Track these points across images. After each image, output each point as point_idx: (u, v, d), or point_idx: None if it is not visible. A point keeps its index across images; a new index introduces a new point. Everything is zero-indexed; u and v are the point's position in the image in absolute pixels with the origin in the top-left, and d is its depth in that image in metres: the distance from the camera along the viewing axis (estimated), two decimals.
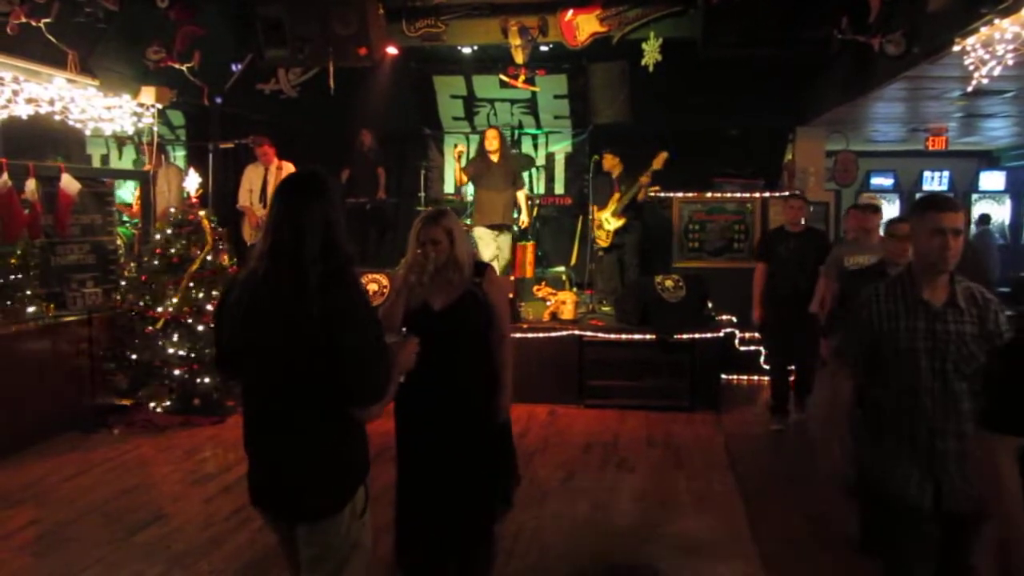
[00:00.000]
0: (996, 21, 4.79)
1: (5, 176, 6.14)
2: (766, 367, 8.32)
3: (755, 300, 6.88)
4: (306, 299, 2.28)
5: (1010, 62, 5.05)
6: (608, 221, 8.63)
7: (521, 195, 8.91)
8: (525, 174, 10.41)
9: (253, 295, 2.38)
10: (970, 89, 5.82)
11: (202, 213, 7.25)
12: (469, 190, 9.56)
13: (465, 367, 3.49)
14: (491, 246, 8.78)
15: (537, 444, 6.24)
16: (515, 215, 8.98)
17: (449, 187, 11.51)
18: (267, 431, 2.43)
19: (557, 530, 4.64)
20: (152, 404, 6.74)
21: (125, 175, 9.60)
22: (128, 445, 6.15)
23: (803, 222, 6.78)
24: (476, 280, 3.50)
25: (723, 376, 7.86)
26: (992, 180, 13.91)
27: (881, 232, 5.65)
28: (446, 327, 3.43)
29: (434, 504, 3.52)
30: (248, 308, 2.38)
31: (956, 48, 5.26)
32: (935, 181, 14.06)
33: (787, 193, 8.63)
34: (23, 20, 5.96)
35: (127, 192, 9.59)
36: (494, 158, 8.63)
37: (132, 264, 7.65)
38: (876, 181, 14.19)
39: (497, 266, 8.64)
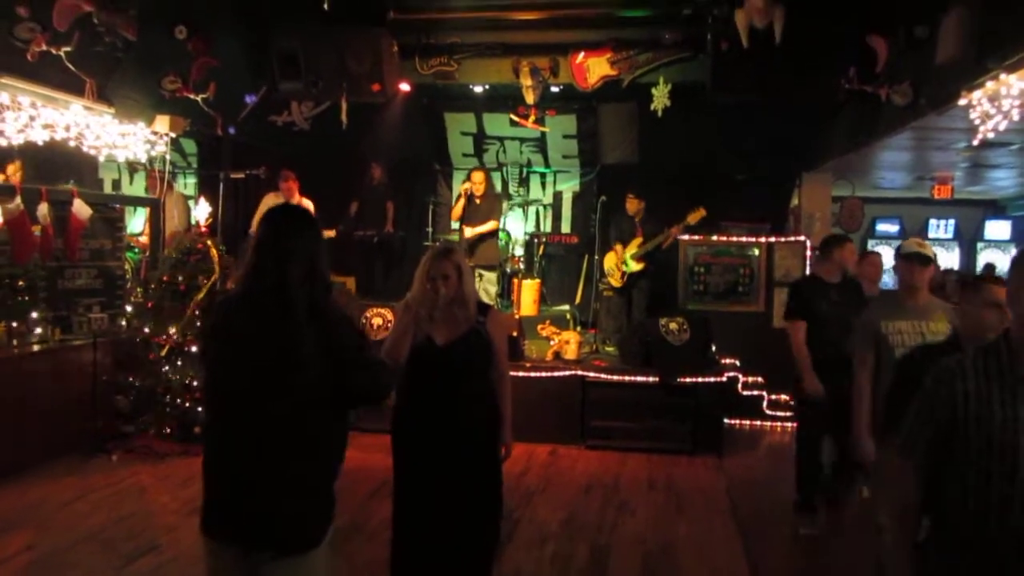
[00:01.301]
0: (1002, 76, 4.84)
1: (18, 200, 6.21)
2: (773, 414, 8.31)
3: (803, 367, 5.48)
4: (293, 320, 2.33)
5: (1016, 116, 5.10)
6: (627, 263, 8.59)
7: (491, 223, 8.77)
8: (509, 213, 10.55)
9: (236, 317, 2.42)
10: (976, 142, 5.85)
11: (210, 241, 7.30)
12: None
13: (466, 403, 3.52)
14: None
15: (538, 484, 6.20)
16: (508, 254, 9.06)
17: (456, 223, 11.56)
18: (248, 456, 2.38)
19: (556, 573, 4.60)
20: (152, 431, 6.73)
21: (135, 201, 9.68)
22: (127, 471, 6.14)
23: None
24: (480, 319, 3.53)
25: (726, 420, 7.81)
26: (998, 229, 13.94)
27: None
28: (449, 362, 3.46)
29: (432, 541, 3.51)
30: (231, 329, 2.43)
31: (963, 101, 5.31)
32: (941, 229, 14.10)
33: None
34: (44, 48, 6.05)
35: (139, 220, 9.64)
36: (478, 201, 8.79)
37: (139, 290, 7.69)
38: (882, 227, 14.23)
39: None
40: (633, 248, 8.57)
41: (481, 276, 8.82)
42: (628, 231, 8.68)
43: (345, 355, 2.41)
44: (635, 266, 8.57)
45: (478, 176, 8.88)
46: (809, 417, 5.69)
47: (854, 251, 5.77)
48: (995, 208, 14.39)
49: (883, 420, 3.63)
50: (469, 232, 8.82)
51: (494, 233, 8.91)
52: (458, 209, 8.93)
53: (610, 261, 8.76)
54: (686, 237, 8.99)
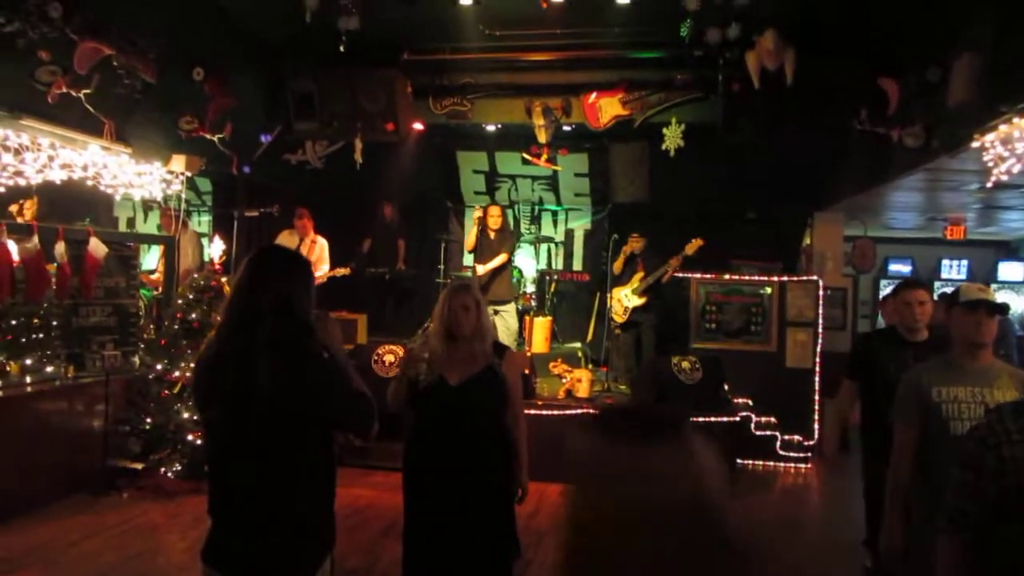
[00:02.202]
0: (1015, 119, 4.86)
1: (35, 239, 6.27)
2: (786, 455, 8.23)
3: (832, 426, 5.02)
4: (260, 353, 2.38)
5: None
6: (628, 297, 8.66)
7: (502, 256, 8.74)
8: (520, 250, 10.54)
9: (216, 352, 2.49)
10: (989, 184, 5.85)
11: (224, 279, 7.33)
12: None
13: (479, 443, 3.50)
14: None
15: (549, 525, 6.14)
16: (519, 291, 9.00)
17: (468, 260, 11.60)
18: (232, 485, 2.47)
19: None
20: (163, 469, 6.71)
21: (150, 239, 9.77)
22: (137, 510, 6.11)
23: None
24: (496, 360, 3.54)
25: (739, 460, 7.74)
26: (1011, 270, 13.87)
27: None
28: (462, 402, 3.45)
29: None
30: (212, 365, 2.49)
31: (975, 144, 5.32)
32: (954, 270, 14.03)
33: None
34: (64, 90, 6.15)
35: (152, 258, 9.72)
36: (492, 235, 8.77)
37: (152, 327, 7.72)
38: (894, 267, 14.19)
39: (507, 337, 8.68)
40: (635, 283, 8.61)
41: (497, 312, 8.80)
42: (630, 269, 8.74)
43: (318, 386, 2.44)
44: (637, 300, 8.60)
45: (495, 210, 8.88)
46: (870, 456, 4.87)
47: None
48: (1008, 250, 14.32)
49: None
50: (481, 270, 8.79)
51: (506, 267, 8.88)
52: (471, 238, 8.94)
53: (613, 298, 8.84)
54: (698, 276, 8.99)
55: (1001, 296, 13.36)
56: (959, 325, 3.31)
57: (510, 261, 9.06)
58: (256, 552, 2.40)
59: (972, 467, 2.17)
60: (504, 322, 8.80)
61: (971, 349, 3.29)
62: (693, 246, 8.33)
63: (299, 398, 2.39)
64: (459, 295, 3.54)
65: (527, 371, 7.62)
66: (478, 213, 8.94)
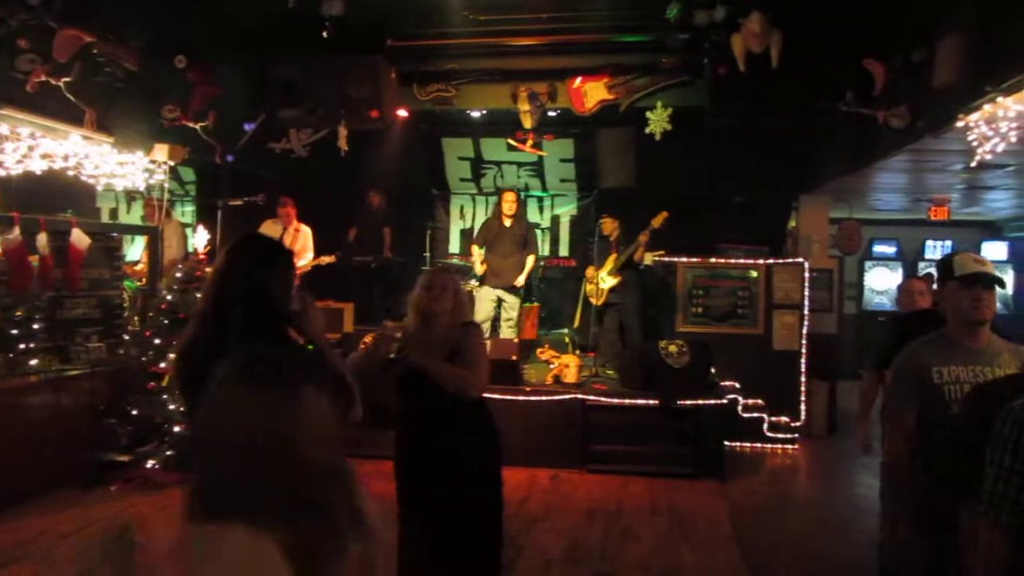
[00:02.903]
0: (999, 99, 4.88)
1: (17, 230, 6.20)
2: (774, 436, 8.29)
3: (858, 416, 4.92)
4: (225, 340, 2.36)
5: (1013, 139, 5.14)
6: (603, 279, 8.71)
7: (531, 259, 8.98)
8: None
9: (192, 338, 2.50)
10: (973, 164, 5.88)
11: (209, 269, 7.27)
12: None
13: (457, 427, 3.50)
14: (487, 308, 8.83)
15: (540, 511, 6.15)
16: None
17: (455, 247, 11.59)
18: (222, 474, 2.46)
19: None
20: (151, 461, 6.67)
21: (134, 230, 9.68)
22: (126, 503, 6.08)
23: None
24: (462, 339, 3.58)
25: (727, 443, 7.78)
26: (995, 250, 13.97)
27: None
28: (434, 387, 3.44)
29: (435, 567, 3.50)
30: (187, 351, 2.50)
31: (960, 124, 5.35)
32: (938, 250, 14.13)
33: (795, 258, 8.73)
34: (44, 79, 6.06)
35: (137, 250, 9.62)
36: (507, 222, 8.76)
37: (137, 319, 7.66)
38: (879, 249, 14.27)
39: (508, 329, 8.68)
40: (609, 264, 8.66)
41: (502, 300, 8.88)
42: (605, 252, 8.78)
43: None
44: (611, 280, 8.65)
45: (510, 196, 8.91)
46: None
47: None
48: (992, 229, 14.43)
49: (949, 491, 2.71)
50: (522, 279, 8.89)
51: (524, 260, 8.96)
52: (479, 238, 9.07)
53: (590, 281, 8.93)
54: (685, 260, 9.01)
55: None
56: (955, 301, 3.07)
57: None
58: None
59: (1012, 450, 2.08)
60: (506, 312, 8.88)
61: (970, 327, 3.08)
62: (659, 219, 8.40)
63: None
64: (438, 275, 3.58)
65: (515, 357, 7.62)
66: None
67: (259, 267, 2.53)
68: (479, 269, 8.88)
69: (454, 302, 3.54)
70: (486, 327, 8.78)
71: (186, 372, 2.50)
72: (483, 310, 8.87)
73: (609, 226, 8.89)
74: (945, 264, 3.19)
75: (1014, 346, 3.18)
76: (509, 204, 8.79)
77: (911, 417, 3.13)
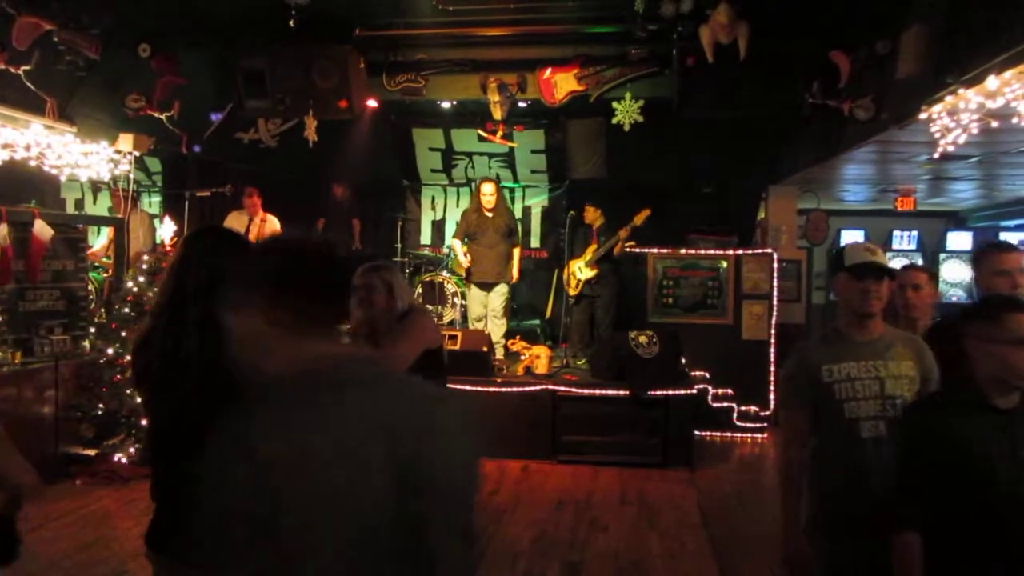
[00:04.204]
0: (961, 91, 4.93)
1: None
2: (743, 426, 8.37)
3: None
4: (185, 333, 2.34)
5: (974, 130, 5.19)
6: (581, 270, 8.73)
7: (517, 251, 8.88)
8: None
9: (148, 329, 2.46)
10: (936, 155, 5.95)
11: None
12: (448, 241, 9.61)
13: None
14: (478, 304, 8.78)
15: (509, 501, 6.17)
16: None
17: (426, 239, 11.55)
18: (176, 472, 2.32)
19: None
20: (117, 455, 6.60)
21: (99, 221, 9.54)
22: (90, 497, 6.01)
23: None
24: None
25: (696, 432, 7.84)
26: (959, 240, 14.16)
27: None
28: None
29: None
30: (142, 343, 2.46)
31: (923, 116, 5.40)
32: (904, 240, 14.31)
33: (757, 250, 8.80)
34: (2, 67, 5.95)
35: (102, 239, 9.49)
36: (488, 213, 8.63)
37: (102, 311, 7.56)
38: (846, 239, 14.41)
39: (491, 323, 8.59)
40: (588, 255, 8.67)
41: (482, 291, 8.74)
42: (585, 241, 8.80)
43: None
44: (588, 272, 8.66)
45: (488, 187, 8.71)
46: None
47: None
48: (956, 220, 14.64)
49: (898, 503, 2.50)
50: (515, 273, 8.74)
51: (510, 251, 8.82)
52: (461, 230, 8.90)
53: (567, 271, 8.91)
54: (655, 250, 9.05)
55: (949, 266, 13.69)
56: (844, 292, 2.95)
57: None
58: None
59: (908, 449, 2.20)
60: (491, 303, 8.74)
61: (859, 319, 2.94)
62: (641, 216, 8.44)
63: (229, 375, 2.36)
64: (366, 274, 3.43)
65: (485, 348, 7.62)
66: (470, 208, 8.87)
67: (216, 258, 2.49)
68: (464, 262, 8.71)
69: (388, 298, 3.40)
70: (480, 325, 8.74)
71: (140, 365, 2.47)
72: (475, 309, 8.82)
73: (592, 214, 8.90)
74: (837, 255, 3.06)
75: (907, 335, 3.09)
76: (487, 196, 8.64)
77: (803, 419, 2.97)
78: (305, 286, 1.55)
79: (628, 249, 8.79)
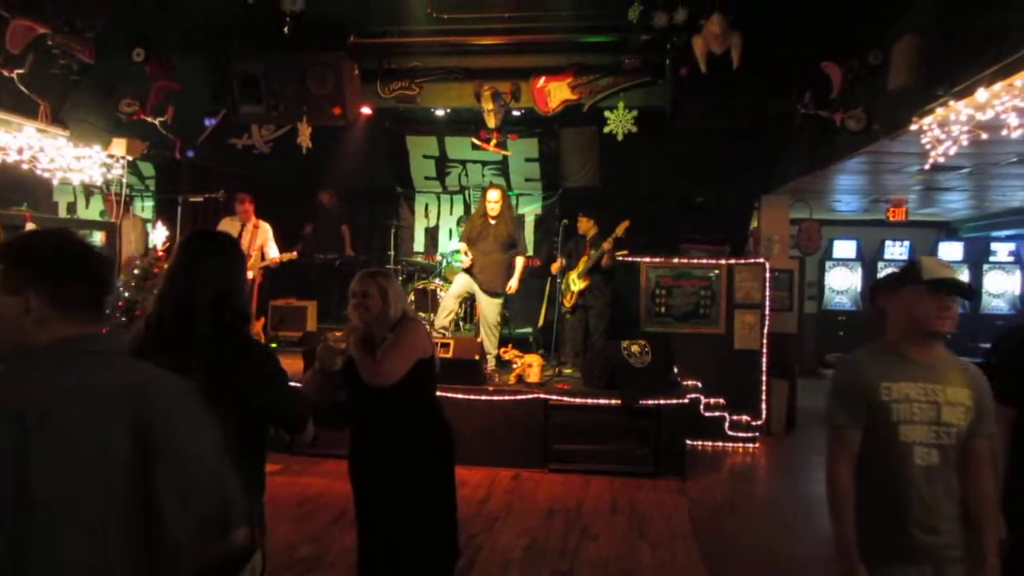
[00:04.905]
0: (951, 103, 4.96)
1: None
2: (735, 435, 8.37)
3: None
4: (191, 347, 2.33)
5: (964, 142, 5.22)
6: (574, 282, 8.74)
7: (520, 260, 8.54)
8: None
9: (152, 342, 2.41)
10: (927, 166, 5.98)
11: (167, 266, 7.18)
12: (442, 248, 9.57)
13: (398, 429, 3.48)
14: (460, 286, 8.59)
15: (500, 509, 6.16)
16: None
17: (419, 246, 11.56)
18: None
19: None
20: None
21: (91, 225, 9.50)
22: None
23: None
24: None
25: (688, 442, 7.84)
26: (951, 250, 14.23)
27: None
28: (374, 390, 3.41)
29: (386, 568, 3.49)
30: (144, 355, 2.40)
31: (914, 127, 5.43)
32: (896, 250, 14.37)
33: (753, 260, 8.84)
34: None
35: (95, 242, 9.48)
36: (492, 220, 8.38)
37: None
38: (838, 249, 14.47)
39: (484, 333, 8.47)
40: (580, 267, 8.68)
41: (475, 299, 8.58)
42: (578, 252, 8.79)
43: (253, 375, 2.43)
44: (580, 283, 8.67)
45: (494, 194, 8.40)
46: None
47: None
48: (948, 230, 14.71)
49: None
50: (514, 283, 8.45)
51: (512, 261, 8.50)
52: (464, 235, 8.66)
53: (564, 283, 8.89)
54: (648, 260, 9.06)
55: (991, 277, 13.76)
56: (914, 307, 2.73)
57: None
58: None
59: None
60: (485, 310, 8.54)
61: (925, 338, 2.75)
62: (621, 227, 8.42)
63: (242, 387, 2.36)
64: (362, 280, 3.51)
65: (477, 357, 7.61)
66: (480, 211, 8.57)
67: (219, 267, 2.49)
68: (465, 262, 8.44)
69: (382, 304, 3.48)
70: (451, 303, 8.56)
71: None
72: (455, 288, 8.60)
73: (584, 225, 8.89)
74: (911, 267, 2.84)
75: (962, 361, 2.87)
76: (491, 203, 8.36)
77: (856, 438, 2.77)
78: (68, 274, 1.76)
79: (621, 258, 8.80)
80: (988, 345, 3.54)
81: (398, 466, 3.44)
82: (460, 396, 7.20)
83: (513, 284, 8.51)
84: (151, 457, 1.67)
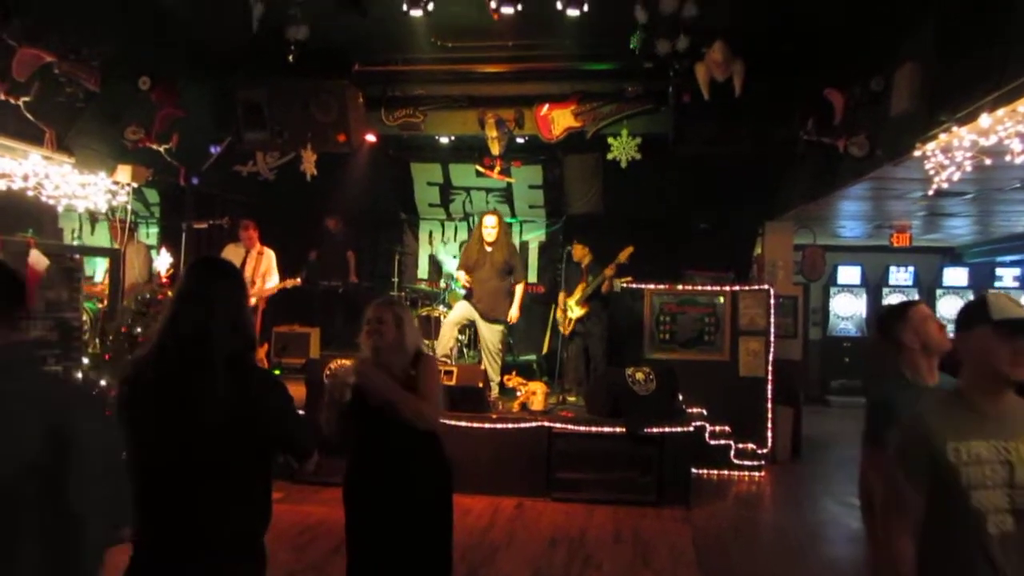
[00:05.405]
0: (954, 128, 4.96)
1: None
2: (740, 463, 8.29)
3: None
4: (209, 368, 2.32)
5: (968, 168, 5.21)
6: (572, 308, 8.72)
7: (520, 288, 8.36)
8: None
9: (162, 371, 2.39)
10: (931, 192, 5.97)
11: (171, 293, 7.16)
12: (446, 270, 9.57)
13: (404, 459, 3.44)
14: (451, 333, 8.49)
15: (502, 539, 6.09)
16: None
17: (423, 273, 11.56)
18: (165, 508, 2.35)
19: None
20: None
21: (96, 252, 9.54)
22: None
23: None
24: (412, 372, 3.49)
25: (693, 470, 7.76)
26: (955, 276, 14.19)
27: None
28: (384, 422, 3.38)
29: None
30: (152, 382, 2.39)
31: (917, 153, 5.42)
32: (901, 276, 14.33)
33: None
34: (3, 97, 5.98)
35: (99, 269, 9.49)
36: (488, 247, 8.21)
37: (96, 341, 7.52)
38: (843, 275, 14.43)
39: (486, 360, 8.38)
40: (578, 293, 8.65)
41: (476, 326, 8.40)
42: (575, 279, 8.78)
43: (266, 404, 2.42)
44: (579, 310, 8.65)
45: (490, 220, 8.19)
46: None
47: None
48: (952, 255, 14.67)
49: None
50: (515, 312, 8.26)
51: (512, 288, 8.33)
52: (462, 261, 8.52)
53: (559, 310, 8.86)
54: (652, 286, 9.04)
55: (945, 301, 13.67)
56: (984, 352, 2.38)
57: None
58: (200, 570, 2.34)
59: None
60: (486, 338, 8.37)
61: (997, 386, 2.40)
62: (625, 253, 8.43)
63: (253, 415, 2.35)
64: (378, 307, 3.52)
65: (480, 384, 7.57)
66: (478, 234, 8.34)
67: (228, 293, 2.49)
68: (464, 281, 8.32)
69: (396, 332, 3.48)
70: (448, 330, 8.46)
71: (141, 405, 2.41)
72: (454, 315, 8.49)
73: (579, 252, 8.93)
74: (975, 306, 2.49)
75: None
76: (488, 229, 8.16)
77: (920, 504, 2.41)
78: None
79: (625, 285, 8.78)
80: None
81: (397, 494, 3.41)
82: (463, 424, 7.16)
83: (514, 314, 8.31)
84: (59, 457, 1.86)
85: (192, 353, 2.35)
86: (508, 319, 8.35)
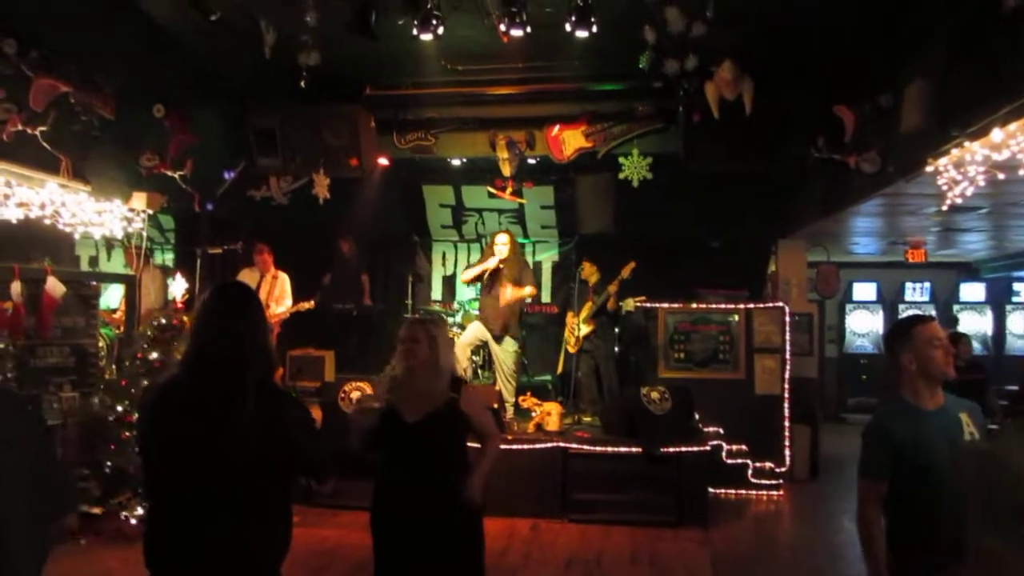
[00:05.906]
0: (966, 143, 4.94)
1: None
2: (758, 483, 8.21)
3: None
4: (241, 395, 2.35)
5: (981, 182, 5.18)
6: (578, 327, 8.70)
7: (525, 290, 8.20)
8: None
9: (188, 395, 2.42)
10: (945, 207, 5.94)
11: (186, 318, 7.22)
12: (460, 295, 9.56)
13: (440, 480, 3.42)
14: (465, 353, 8.42)
15: (518, 561, 6.05)
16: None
17: (436, 294, 11.57)
18: (189, 530, 2.36)
19: None
20: (123, 513, 6.53)
21: (112, 278, 9.60)
22: (94, 556, 5.93)
23: None
24: (453, 396, 3.48)
25: (711, 490, 7.70)
26: (972, 291, 14.09)
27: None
28: (419, 440, 3.38)
29: None
30: (177, 407, 2.42)
31: (929, 168, 5.40)
32: (917, 292, 14.23)
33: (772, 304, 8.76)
34: (20, 127, 6.07)
35: (115, 295, 9.56)
36: (501, 266, 8.16)
37: (112, 367, 7.57)
38: (858, 291, 14.35)
39: (500, 381, 8.36)
40: (584, 312, 8.64)
41: (488, 347, 8.42)
42: (584, 297, 8.77)
43: (292, 426, 2.45)
44: (585, 328, 8.62)
45: (502, 237, 8.15)
46: None
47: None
48: (968, 271, 14.55)
49: None
50: (509, 294, 8.03)
51: (519, 301, 8.28)
52: (470, 276, 8.50)
53: (567, 327, 8.87)
54: (666, 305, 9.02)
55: (964, 317, 13.55)
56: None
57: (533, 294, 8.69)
58: None
59: None
60: (500, 358, 8.33)
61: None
62: (627, 269, 8.42)
63: (278, 435, 2.36)
64: (412, 326, 3.54)
65: (495, 405, 7.56)
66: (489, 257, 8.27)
67: (250, 319, 2.53)
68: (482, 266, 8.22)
69: (430, 351, 3.48)
70: (463, 352, 8.37)
71: (164, 429, 2.42)
72: (460, 356, 8.32)
73: (588, 270, 8.93)
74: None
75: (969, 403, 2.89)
76: (500, 246, 8.15)
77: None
78: None
79: (638, 304, 8.76)
80: (1015, 387, 3.47)
81: (431, 521, 3.38)
82: (478, 445, 7.12)
83: (509, 294, 8.08)
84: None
85: (225, 378, 2.38)
86: (501, 302, 8.10)
